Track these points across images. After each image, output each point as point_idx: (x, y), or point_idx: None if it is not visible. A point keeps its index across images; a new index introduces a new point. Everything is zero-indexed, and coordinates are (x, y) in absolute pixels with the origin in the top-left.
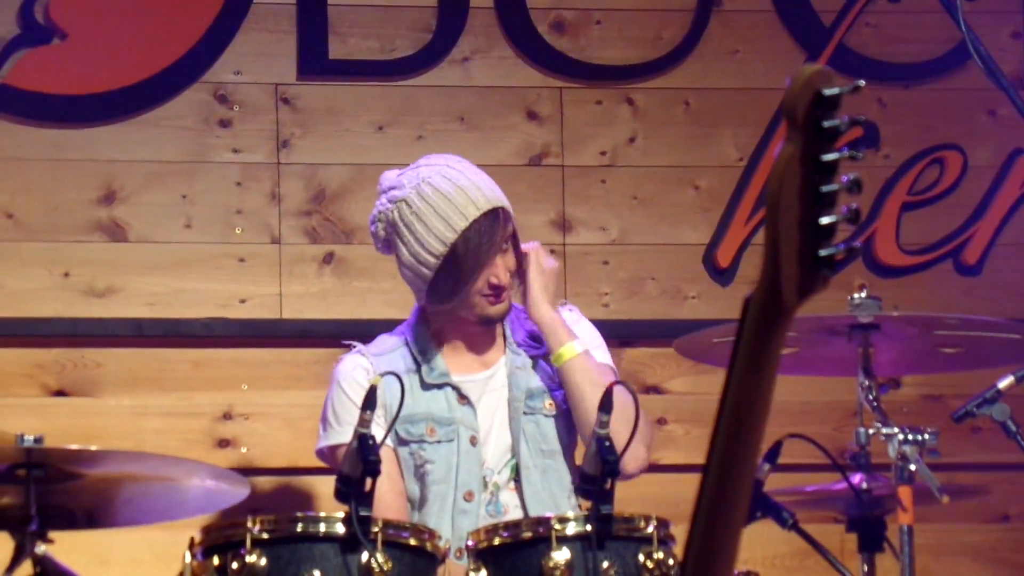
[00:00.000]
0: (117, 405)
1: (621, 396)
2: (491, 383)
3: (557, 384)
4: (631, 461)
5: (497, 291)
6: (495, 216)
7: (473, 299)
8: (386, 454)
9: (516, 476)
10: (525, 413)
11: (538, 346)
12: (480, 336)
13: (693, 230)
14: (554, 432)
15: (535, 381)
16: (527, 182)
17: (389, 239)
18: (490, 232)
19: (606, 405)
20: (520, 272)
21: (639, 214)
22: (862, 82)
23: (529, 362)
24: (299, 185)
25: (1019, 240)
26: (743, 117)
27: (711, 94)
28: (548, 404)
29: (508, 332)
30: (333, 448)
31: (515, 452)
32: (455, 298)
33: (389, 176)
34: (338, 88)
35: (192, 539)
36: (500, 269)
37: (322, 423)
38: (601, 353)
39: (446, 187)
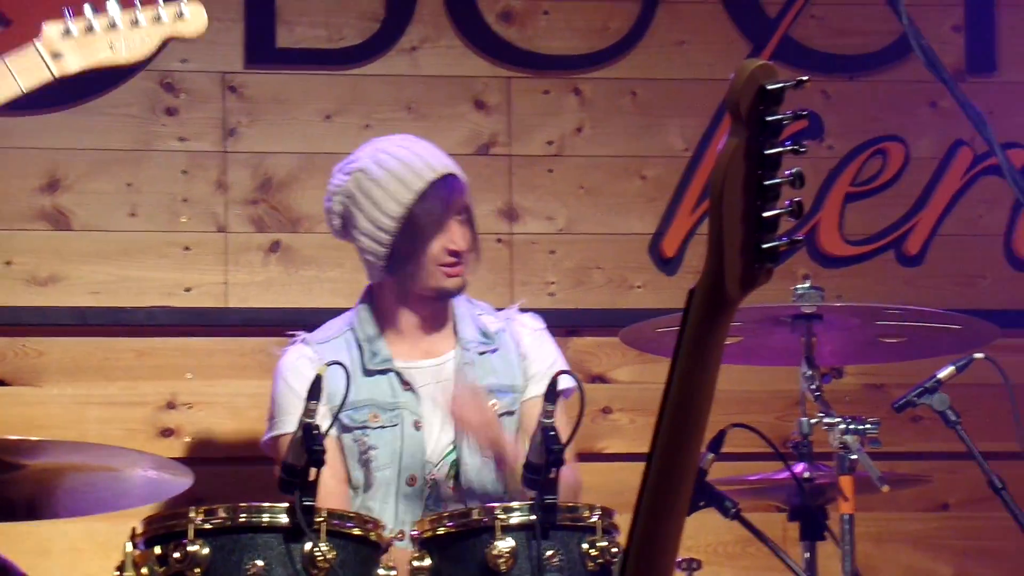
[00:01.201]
0: (59, 394)
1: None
2: (438, 374)
3: (505, 386)
4: (566, 479)
5: (455, 256)
6: (451, 180)
7: (430, 267)
8: (328, 442)
9: (456, 472)
10: None
11: (487, 342)
12: (428, 323)
13: (639, 220)
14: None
15: (482, 379)
16: (474, 171)
17: (346, 212)
18: (446, 195)
19: (551, 394)
20: (475, 248)
21: (586, 203)
22: (805, 78)
23: (478, 359)
24: (246, 174)
25: (960, 231)
26: (689, 107)
27: (657, 84)
28: (492, 404)
29: (458, 326)
30: (276, 439)
31: (456, 447)
32: (414, 265)
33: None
34: (285, 77)
35: (134, 529)
36: (457, 235)
37: (268, 415)
38: (559, 362)
39: (402, 153)
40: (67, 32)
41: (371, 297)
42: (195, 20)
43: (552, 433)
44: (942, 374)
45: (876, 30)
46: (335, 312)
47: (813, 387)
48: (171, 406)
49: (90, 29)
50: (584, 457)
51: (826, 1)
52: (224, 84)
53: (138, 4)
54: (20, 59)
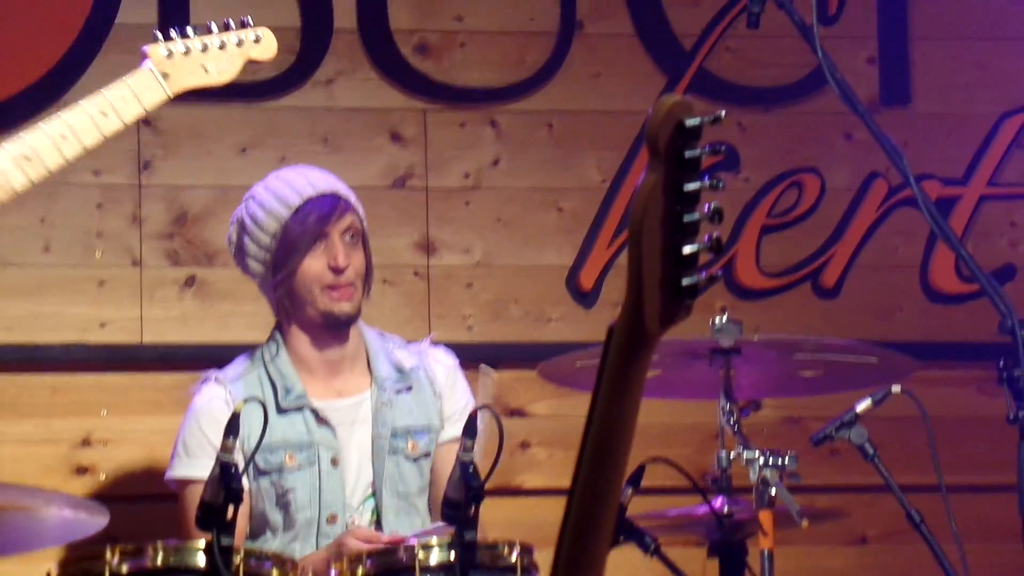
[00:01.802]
0: None
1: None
2: (354, 414)
3: (421, 427)
4: None
5: (337, 273)
6: (331, 198)
7: (314, 289)
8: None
9: (376, 517)
10: (389, 452)
11: (402, 379)
12: (340, 360)
13: (556, 252)
14: (413, 474)
15: (400, 420)
16: (391, 204)
17: (238, 240)
18: (323, 210)
19: (470, 430)
20: (368, 274)
21: (503, 236)
22: (723, 113)
23: (395, 398)
24: (161, 207)
25: (876, 263)
26: (605, 139)
27: (574, 117)
28: (411, 446)
29: (372, 363)
30: (181, 481)
31: (375, 491)
32: (292, 273)
33: None
34: (201, 110)
35: (48, 572)
36: (339, 252)
37: (173, 452)
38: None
39: (288, 176)
40: (170, 54)
41: (281, 334)
42: (268, 43)
43: (471, 469)
44: (860, 407)
45: (791, 62)
46: (250, 346)
47: (731, 421)
48: (86, 443)
49: (187, 52)
50: (503, 492)
51: (741, 34)
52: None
53: (216, 29)
54: (140, 81)
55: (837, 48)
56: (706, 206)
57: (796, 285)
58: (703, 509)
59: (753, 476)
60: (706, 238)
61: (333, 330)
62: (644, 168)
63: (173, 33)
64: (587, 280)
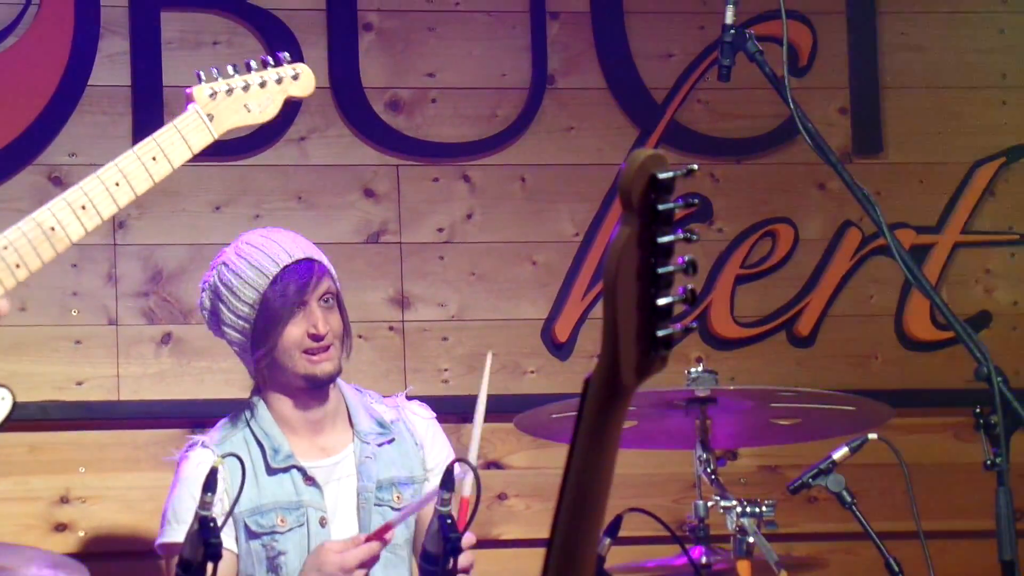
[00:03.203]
0: None
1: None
2: (338, 470)
3: (405, 478)
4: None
5: (317, 340)
6: (307, 264)
7: (294, 354)
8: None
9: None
10: (376, 505)
11: (385, 432)
12: (320, 418)
13: (531, 305)
14: (399, 527)
15: (384, 472)
16: (365, 259)
17: (212, 307)
18: (301, 277)
19: (447, 483)
20: (346, 334)
21: (477, 289)
22: (695, 166)
23: (378, 451)
24: (136, 266)
25: (850, 311)
26: (578, 192)
27: (546, 170)
28: (396, 497)
29: (353, 418)
30: (171, 546)
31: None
32: (274, 346)
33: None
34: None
35: None
36: (319, 319)
37: (163, 519)
38: (446, 449)
39: (259, 242)
40: (213, 95)
41: (260, 392)
42: (306, 80)
43: (449, 521)
44: (837, 455)
45: (763, 113)
46: (227, 403)
47: (708, 470)
48: (65, 501)
49: (229, 91)
50: (480, 544)
51: (712, 86)
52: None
53: (255, 66)
54: (187, 124)
55: (809, 99)
56: (680, 258)
57: (771, 334)
58: (682, 559)
59: (731, 525)
60: (680, 290)
61: (314, 390)
62: (617, 221)
63: (215, 72)
64: (562, 332)
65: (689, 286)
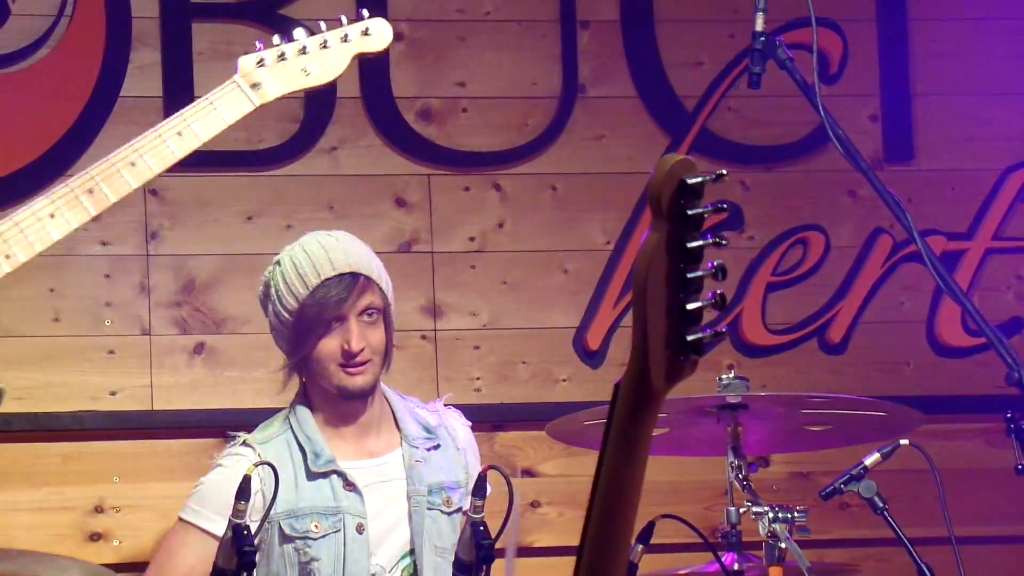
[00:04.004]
0: None
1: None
2: (383, 473)
3: (453, 482)
4: None
5: (348, 358)
6: (351, 279)
7: (328, 366)
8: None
9: (413, 573)
10: (428, 508)
11: (432, 437)
12: (367, 423)
13: (562, 314)
14: (449, 529)
15: (434, 477)
16: (397, 269)
17: (264, 303)
18: (341, 292)
19: (480, 490)
20: (387, 350)
21: (509, 299)
22: (725, 172)
23: (427, 455)
24: (169, 276)
25: (882, 318)
26: (609, 201)
27: (577, 179)
28: (446, 500)
29: (400, 423)
30: (186, 523)
31: (414, 548)
32: (306, 357)
33: None
34: (207, 179)
35: None
36: (353, 335)
37: (190, 498)
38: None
39: (312, 247)
40: (261, 62)
41: (306, 396)
42: (380, 35)
43: (482, 528)
44: (868, 461)
45: (793, 121)
46: (260, 413)
47: (740, 476)
48: (99, 510)
49: (282, 56)
50: None
51: (742, 94)
52: (146, 187)
53: (324, 27)
54: (223, 95)
55: (839, 106)
56: (709, 263)
57: (802, 342)
58: (714, 566)
59: (763, 531)
60: (710, 294)
61: (349, 401)
62: (647, 226)
63: (276, 39)
64: (594, 340)
65: (719, 290)
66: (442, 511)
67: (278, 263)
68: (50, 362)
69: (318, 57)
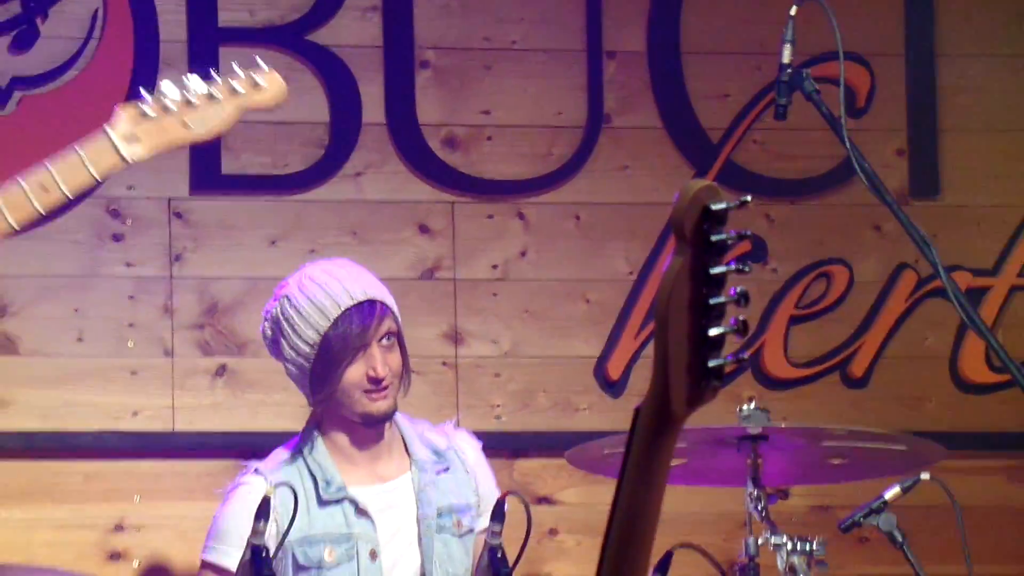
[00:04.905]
0: (8, 518)
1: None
2: (393, 498)
3: (463, 504)
4: None
5: (376, 383)
6: (369, 307)
7: (353, 394)
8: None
9: None
10: (437, 532)
11: (440, 460)
12: (377, 447)
13: (584, 343)
14: (460, 552)
15: (444, 500)
16: (419, 295)
17: (274, 337)
18: (363, 321)
19: (497, 515)
20: (405, 373)
21: (530, 327)
22: (748, 198)
23: (436, 479)
24: (192, 298)
25: (905, 353)
26: (633, 231)
27: (601, 209)
28: (456, 524)
29: (410, 447)
30: (210, 565)
31: (424, 573)
32: (333, 389)
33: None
34: (230, 203)
35: None
36: (378, 362)
37: (208, 537)
38: (493, 480)
39: (323, 279)
40: (143, 115)
41: (317, 423)
42: (273, 89)
43: (499, 555)
44: (888, 495)
45: (819, 154)
46: (281, 435)
47: (759, 508)
48: (120, 529)
49: (166, 110)
50: None
51: (769, 126)
52: (170, 210)
53: (215, 78)
54: (92, 147)
55: (866, 140)
56: (732, 290)
57: (825, 375)
58: None
59: (781, 563)
60: (732, 321)
61: (370, 427)
62: (670, 252)
63: (165, 86)
64: (615, 370)
65: (741, 317)
66: (452, 534)
67: (287, 298)
68: (73, 382)
69: (203, 110)
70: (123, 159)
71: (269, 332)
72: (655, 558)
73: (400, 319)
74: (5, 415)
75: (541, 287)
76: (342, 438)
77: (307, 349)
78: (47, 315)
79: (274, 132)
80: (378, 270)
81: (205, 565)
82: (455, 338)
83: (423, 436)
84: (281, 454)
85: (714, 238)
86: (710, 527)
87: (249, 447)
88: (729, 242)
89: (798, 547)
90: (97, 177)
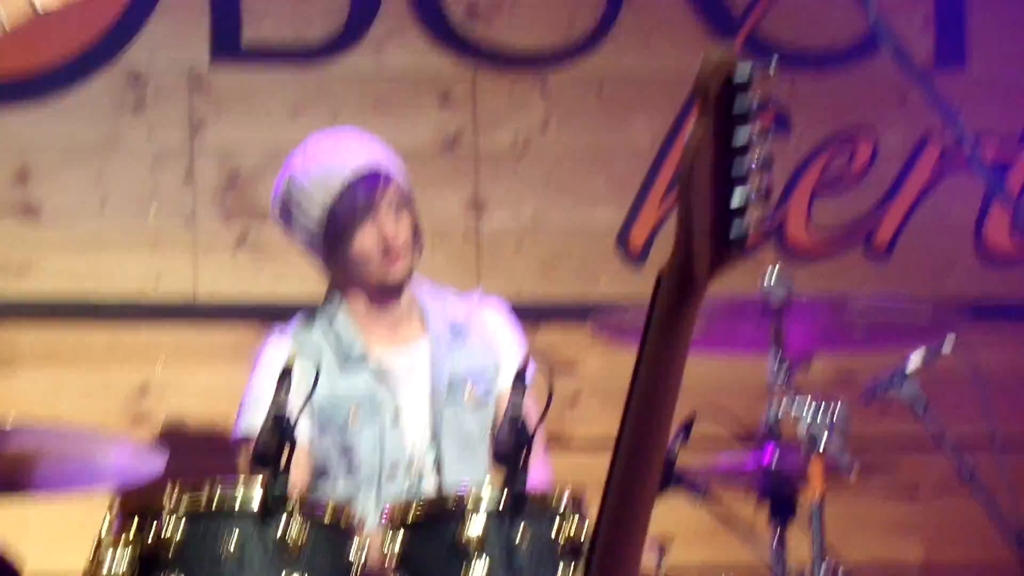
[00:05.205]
0: (33, 382)
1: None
2: (411, 366)
3: (478, 373)
4: (537, 476)
5: (387, 251)
6: (373, 176)
7: (366, 263)
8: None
9: (437, 465)
10: (448, 400)
11: (457, 331)
12: (396, 314)
13: (606, 213)
14: (471, 421)
15: (457, 368)
16: (441, 166)
17: (283, 218)
18: (368, 191)
19: (519, 381)
20: (417, 237)
21: (552, 197)
22: (775, 59)
23: (451, 347)
24: (213, 167)
25: (928, 224)
26: (655, 102)
27: (624, 79)
28: (468, 393)
29: (427, 315)
30: (244, 440)
31: (435, 440)
32: (346, 260)
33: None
34: (252, 72)
35: (109, 509)
36: (388, 229)
37: (240, 408)
38: (519, 345)
39: (325, 154)
40: None
41: (339, 290)
42: None
43: (520, 421)
44: (911, 363)
45: (843, 25)
46: (303, 302)
47: (782, 375)
48: (143, 394)
49: None
50: (552, 446)
51: None
52: (191, 78)
53: None
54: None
55: (892, 10)
56: (755, 157)
57: (848, 246)
58: (753, 460)
59: (803, 429)
60: (755, 187)
61: (388, 291)
62: (694, 118)
63: None
64: (637, 240)
65: (763, 184)
66: (464, 404)
67: (292, 178)
68: (96, 248)
69: None
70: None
71: (277, 213)
72: (676, 424)
73: (409, 184)
74: (29, 280)
75: (563, 158)
76: (362, 303)
77: (314, 224)
78: (70, 182)
79: (295, 1)
80: (399, 141)
81: (237, 441)
82: (477, 208)
83: (444, 305)
84: (303, 320)
85: (737, 105)
86: (732, 394)
87: (271, 314)
88: (752, 109)
89: (820, 415)
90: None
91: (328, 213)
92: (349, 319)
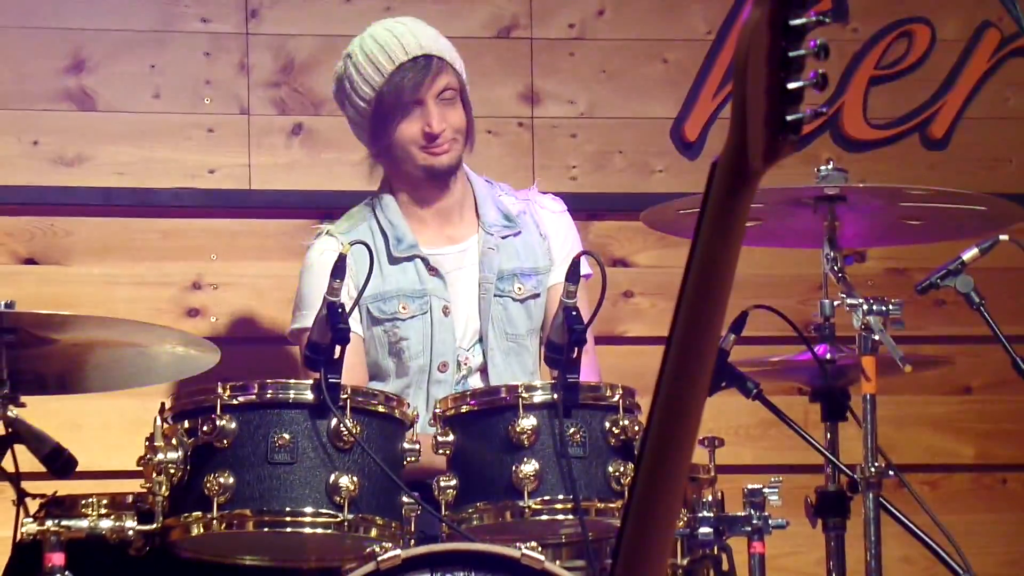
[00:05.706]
0: (87, 274)
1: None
2: (462, 259)
3: (528, 269)
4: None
5: (431, 139)
6: (425, 61)
7: (410, 148)
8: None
9: (484, 362)
10: (496, 296)
11: (510, 225)
12: (448, 208)
13: (661, 104)
14: (521, 316)
15: (507, 263)
16: (495, 55)
17: (339, 96)
18: (417, 76)
19: (573, 275)
20: (468, 129)
21: (607, 87)
22: None
23: (501, 243)
24: (268, 56)
25: (986, 114)
26: None
27: None
28: (518, 288)
29: (480, 209)
30: (301, 331)
31: (482, 334)
32: (389, 142)
33: None
34: None
35: (163, 403)
36: (433, 117)
37: (294, 306)
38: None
39: (383, 36)
40: None
41: (389, 184)
42: None
43: (574, 313)
44: (966, 256)
45: None
46: (357, 195)
47: (835, 269)
48: (196, 286)
49: None
50: (605, 341)
51: None
52: None
53: None
54: None
55: None
56: (812, 42)
57: (904, 136)
58: (806, 355)
59: (856, 323)
60: (811, 74)
61: (434, 181)
62: (750, 3)
63: None
64: (691, 131)
65: (820, 70)
66: (513, 298)
67: (349, 56)
68: (150, 139)
69: None
70: None
71: (336, 92)
72: (729, 318)
73: (465, 77)
74: (84, 171)
75: (618, 47)
76: (411, 196)
77: (363, 106)
78: (124, 71)
79: None
80: (454, 29)
81: (295, 335)
82: (531, 98)
83: (497, 199)
84: (351, 215)
85: None
86: (786, 288)
87: (325, 206)
88: None
89: (874, 308)
90: None
91: (377, 94)
92: (399, 212)
